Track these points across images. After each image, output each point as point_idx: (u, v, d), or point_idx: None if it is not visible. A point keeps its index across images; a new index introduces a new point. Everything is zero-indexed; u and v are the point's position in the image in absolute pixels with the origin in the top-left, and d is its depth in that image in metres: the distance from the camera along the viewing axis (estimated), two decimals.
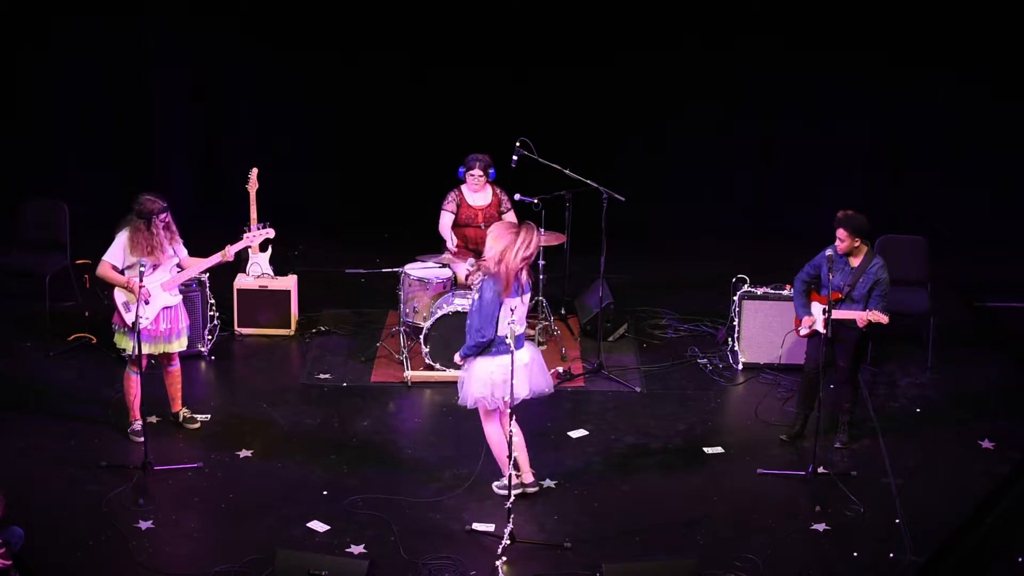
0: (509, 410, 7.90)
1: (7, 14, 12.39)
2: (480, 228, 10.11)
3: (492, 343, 7.93)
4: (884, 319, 8.50)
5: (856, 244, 8.66)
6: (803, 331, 8.87)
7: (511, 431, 7.84)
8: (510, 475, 7.92)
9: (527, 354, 8.09)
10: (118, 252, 8.64)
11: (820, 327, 8.66)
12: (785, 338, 9.83)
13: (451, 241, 10.19)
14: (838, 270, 8.69)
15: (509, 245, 7.88)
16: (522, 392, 7.98)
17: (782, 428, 9.15)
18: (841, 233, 8.63)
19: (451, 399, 8.80)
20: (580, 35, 12.39)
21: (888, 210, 12.64)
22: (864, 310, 8.56)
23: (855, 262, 8.71)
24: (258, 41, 12.61)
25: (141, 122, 12.88)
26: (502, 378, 7.89)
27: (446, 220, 10.23)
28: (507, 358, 7.81)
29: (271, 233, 9.42)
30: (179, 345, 8.88)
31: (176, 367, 8.98)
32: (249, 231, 9.78)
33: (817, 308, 8.74)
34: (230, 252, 8.88)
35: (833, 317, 8.45)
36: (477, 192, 10.22)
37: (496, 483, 8.36)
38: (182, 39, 12.68)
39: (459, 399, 8.19)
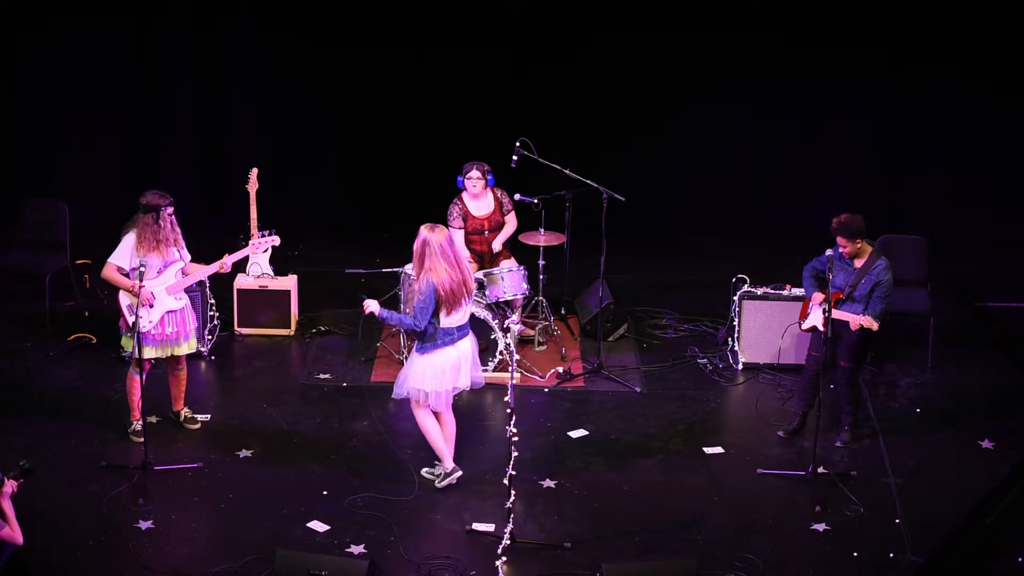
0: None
1: (7, 13, 12.38)
2: (486, 235, 10.12)
3: (436, 334, 7.96)
4: (874, 326, 8.48)
5: (859, 246, 8.68)
6: (804, 325, 8.87)
7: (512, 430, 7.82)
8: (450, 466, 8.25)
9: (468, 344, 8.14)
10: (125, 254, 8.59)
11: (820, 324, 8.67)
12: (784, 333, 9.81)
13: (465, 255, 10.08)
14: (841, 270, 8.71)
15: (431, 268, 7.85)
16: (464, 383, 8.17)
17: (781, 426, 9.15)
18: (841, 240, 8.66)
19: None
20: (580, 35, 12.38)
21: (888, 210, 12.66)
22: (864, 311, 8.57)
23: (859, 263, 8.72)
24: (259, 41, 12.61)
25: (141, 122, 12.87)
26: (443, 372, 8.01)
27: (458, 238, 10.10)
28: (450, 351, 7.95)
29: (276, 241, 9.34)
30: (188, 347, 8.87)
31: (183, 370, 8.98)
32: (249, 238, 9.73)
33: (817, 308, 8.74)
34: (227, 263, 8.82)
35: (832, 317, 8.46)
36: (478, 199, 10.14)
37: (426, 469, 8.47)
38: (183, 39, 12.67)
39: (394, 391, 8.26)
